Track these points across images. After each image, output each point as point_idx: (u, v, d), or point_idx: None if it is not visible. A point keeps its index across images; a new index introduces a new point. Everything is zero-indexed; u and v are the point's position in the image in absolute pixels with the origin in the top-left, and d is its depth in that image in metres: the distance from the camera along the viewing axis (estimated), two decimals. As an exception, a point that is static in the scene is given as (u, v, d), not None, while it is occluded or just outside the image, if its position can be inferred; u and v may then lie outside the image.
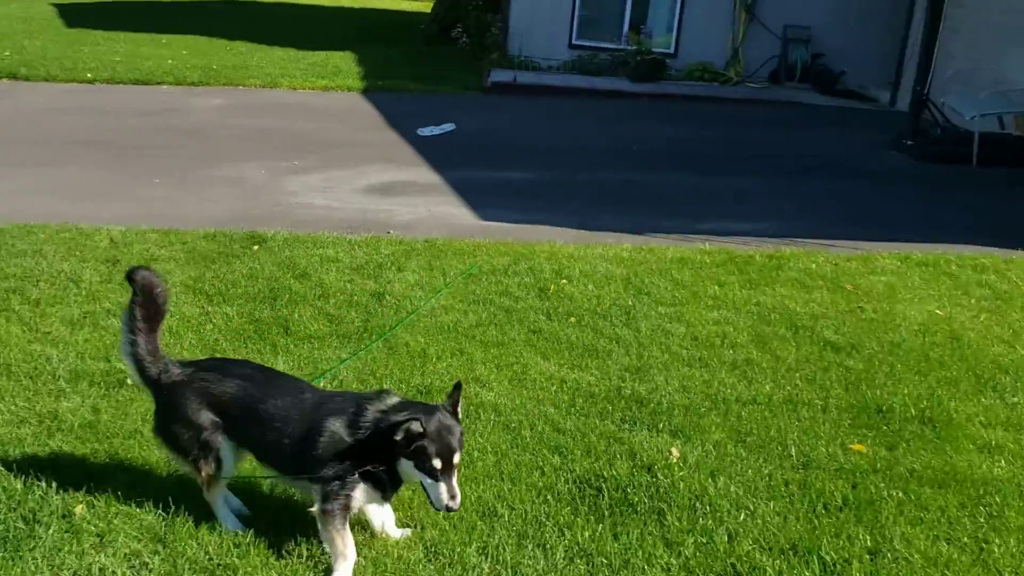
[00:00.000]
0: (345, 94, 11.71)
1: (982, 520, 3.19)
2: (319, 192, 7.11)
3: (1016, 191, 8.31)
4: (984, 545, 3.05)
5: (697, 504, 3.18)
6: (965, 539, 3.08)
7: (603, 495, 3.21)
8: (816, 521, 3.13)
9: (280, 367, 4.02)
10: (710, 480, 3.33)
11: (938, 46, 10.97)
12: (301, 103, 10.95)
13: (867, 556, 2.96)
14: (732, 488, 3.29)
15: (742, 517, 3.12)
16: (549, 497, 3.19)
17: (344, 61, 14.15)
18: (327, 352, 4.21)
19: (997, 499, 3.31)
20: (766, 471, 3.43)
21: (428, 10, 20.98)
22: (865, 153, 9.60)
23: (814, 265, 5.76)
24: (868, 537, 3.04)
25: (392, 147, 8.84)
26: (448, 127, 9.88)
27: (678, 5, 14.11)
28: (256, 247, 5.59)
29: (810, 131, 10.99)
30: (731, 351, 4.49)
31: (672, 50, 14.19)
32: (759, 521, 3.10)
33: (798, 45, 13.97)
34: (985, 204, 7.81)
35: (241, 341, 4.29)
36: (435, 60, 14.82)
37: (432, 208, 6.83)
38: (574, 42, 14.21)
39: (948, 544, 3.04)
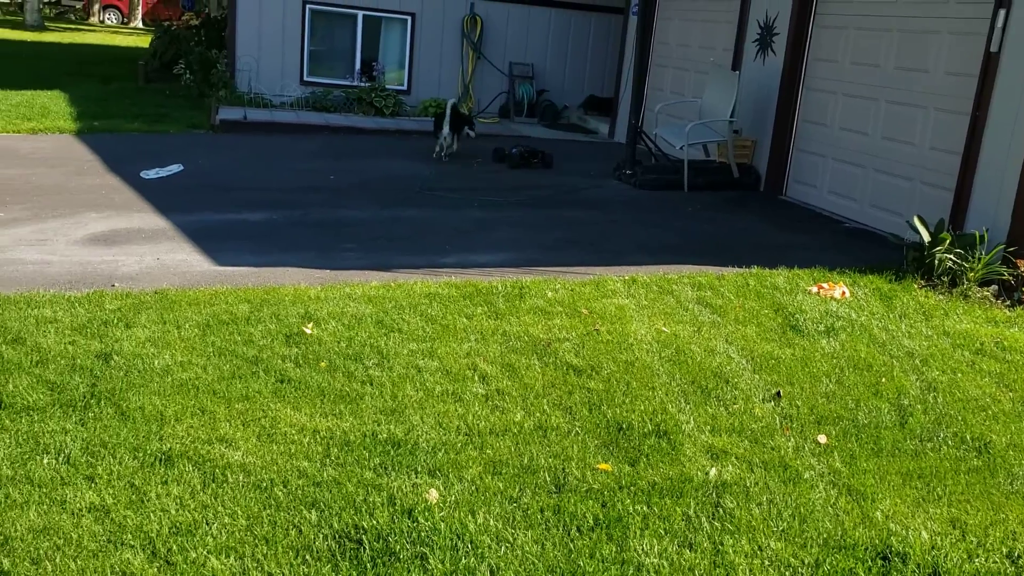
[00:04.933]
0: (56, 136, 10.80)
1: (716, 523, 3.46)
2: (31, 246, 6.48)
3: (721, 212, 9.19)
4: (720, 546, 3.31)
5: (459, 543, 3.20)
6: (704, 542, 3.33)
7: (364, 547, 3.15)
8: (571, 544, 3.25)
9: (-7, 447, 3.62)
10: (470, 517, 3.37)
11: (648, 81, 11.96)
12: (5, 148, 9.95)
13: (614, 569, 3.12)
14: (492, 522, 3.35)
15: (503, 550, 3.18)
16: (308, 557, 3.08)
17: (53, 100, 13.09)
18: (50, 424, 3.83)
19: (728, 501, 3.61)
20: (523, 500, 3.52)
21: (146, 45, 19.93)
22: (590, 183, 10.22)
23: (551, 293, 6.03)
24: (617, 552, 3.21)
25: (113, 192, 8.25)
26: (175, 168, 9.38)
27: (408, 42, 14.38)
28: (-44, 312, 4.99)
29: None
30: (482, 382, 4.59)
31: (405, 87, 14.42)
32: (519, 552, 3.18)
33: (524, 82, 14.69)
34: (696, 226, 8.56)
35: (-57, 422, 3.80)
36: (157, 98, 14.08)
37: (162, 256, 6.44)
38: (306, 79, 14.05)
39: (689, 550, 3.28)
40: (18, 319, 4.92)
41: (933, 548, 3.40)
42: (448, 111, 10.99)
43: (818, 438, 4.24)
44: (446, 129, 10.81)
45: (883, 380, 4.96)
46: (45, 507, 3.28)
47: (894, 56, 8.55)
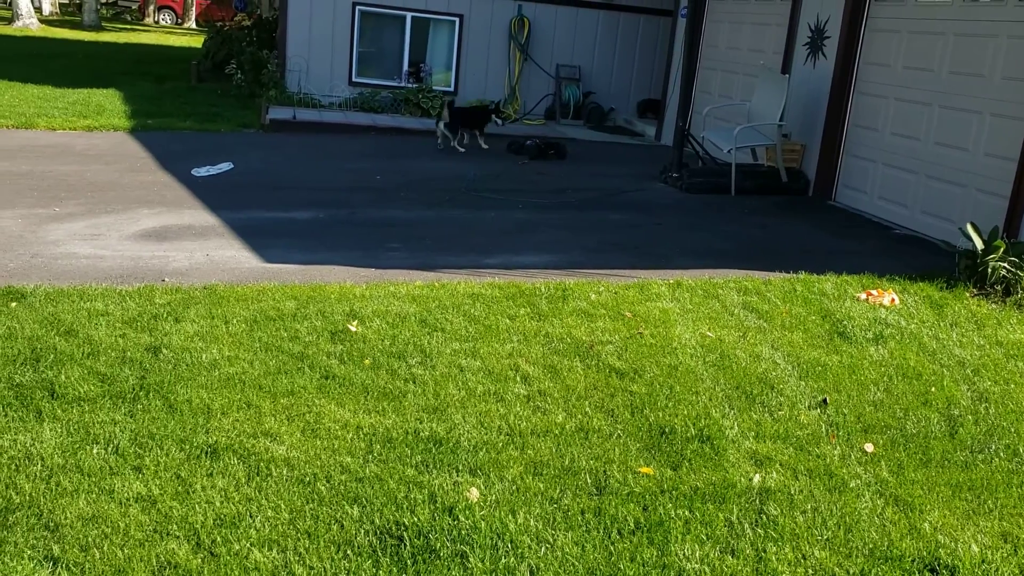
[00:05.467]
0: (111, 134, 11.03)
1: (760, 530, 3.42)
2: (84, 240, 6.62)
3: (769, 217, 9.09)
4: (763, 554, 3.27)
5: (499, 543, 3.20)
6: (747, 549, 3.29)
7: (405, 544, 3.16)
8: (612, 547, 3.23)
9: (47, 435, 3.70)
10: (511, 516, 3.37)
11: (696, 83, 11.86)
12: (61, 144, 10.19)
13: (655, 573, 3.10)
14: (532, 522, 3.35)
15: (543, 551, 3.18)
16: (349, 552, 3.10)
17: (108, 99, 13.37)
18: (100, 415, 3.91)
19: (771, 508, 3.57)
20: (563, 502, 3.51)
21: (199, 45, 20.28)
22: (635, 185, 10.17)
23: (594, 295, 6.01)
24: (658, 557, 3.18)
25: (165, 189, 8.40)
26: (225, 167, 9.53)
27: (455, 44, 14.44)
28: (13, 304, 5.11)
29: (584, 165, 11.51)
30: (524, 383, 4.58)
31: (452, 88, 14.48)
32: (559, 553, 3.17)
33: (570, 84, 14.66)
34: (743, 230, 8.47)
35: (-2, 410, 3.90)
36: (209, 97, 14.31)
37: (211, 252, 6.53)
38: (354, 80, 14.18)
39: (732, 556, 3.24)
40: (71, 311, 5.03)
41: (983, 562, 3.32)
42: (444, 108, 11.77)
43: (865, 447, 4.17)
44: (441, 124, 11.65)
45: (933, 389, 4.86)
46: (94, 496, 3.34)
47: (948, 60, 8.39)
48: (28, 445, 3.64)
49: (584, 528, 3.35)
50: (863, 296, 6.35)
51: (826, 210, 9.64)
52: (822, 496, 3.70)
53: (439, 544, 3.17)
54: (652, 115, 14.34)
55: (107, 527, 3.17)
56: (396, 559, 3.09)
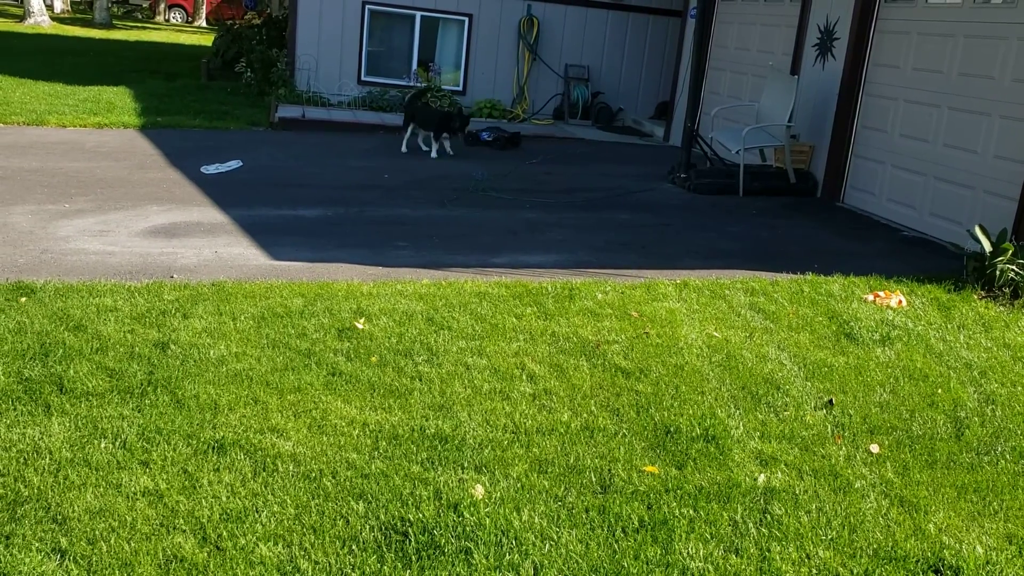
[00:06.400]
0: (121, 131, 11.08)
1: (764, 529, 3.42)
2: (94, 236, 6.66)
3: (777, 218, 9.08)
4: (767, 553, 3.27)
5: (503, 539, 3.21)
6: (751, 548, 3.29)
7: (410, 540, 3.18)
8: (616, 545, 3.24)
9: (55, 429, 3.73)
10: (515, 513, 3.38)
11: (705, 84, 11.85)
12: (72, 141, 10.24)
13: (659, 571, 3.10)
14: (536, 520, 3.36)
15: (547, 548, 3.19)
16: (354, 547, 3.12)
17: (118, 96, 13.42)
18: (108, 410, 3.93)
19: (776, 508, 3.57)
20: (568, 499, 3.52)
21: (209, 44, 20.35)
22: (643, 186, 10.17)
23: (601, 294, 6.01)
24: (662, 555, 3.19)
25: (174, 186, 8.44)
26: (234, 164, 9.56)
27: (464, 44, 14.47)
28: (23, 299, 5.14)
29: (592, 165, 11.51)
30: (530, 382, 4.59)
31: (461, 87, 14.50)
32: (563, 550, 3.18)
33: (579, 84, 14.67)
34: (751, 231, 8.47)
35: (8, 402, 3.93)
36: (218, 95, 14.35)
37: (219, 249, 6.56)
38: (363, 78, 14.22)
39: (735, 555, 3.25)
40: (80, 307, 5.05)
41: (988, 563, 3.32)
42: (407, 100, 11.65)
43: (870, 448, 4.17)
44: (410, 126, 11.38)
45: (939, 391, 4.86)
46: (101, 490, 3.37)
47: (958, 62, 8.37)
48: (36, 439, 3.67)
49: (588, 526, 3.36)
50: (870, 297, 6.35)
51: (834, 211, 9.62)
52: (827, 496, 3.70)
53: (444, 540, 3.18)
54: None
55: (114, 520, 3.19)
56: (401, 555, 3.10)
